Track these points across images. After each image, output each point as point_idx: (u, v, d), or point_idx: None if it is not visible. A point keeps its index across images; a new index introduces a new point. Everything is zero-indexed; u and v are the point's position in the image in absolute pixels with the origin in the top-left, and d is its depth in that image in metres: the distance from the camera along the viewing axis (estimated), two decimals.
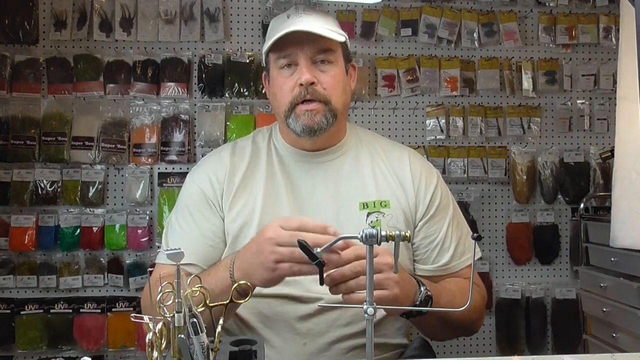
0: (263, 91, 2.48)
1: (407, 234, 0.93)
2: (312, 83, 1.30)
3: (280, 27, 1.31)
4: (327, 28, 1.31)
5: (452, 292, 1.31)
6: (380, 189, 1.38)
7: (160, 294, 0.86)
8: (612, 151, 2.12)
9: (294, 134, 1.35)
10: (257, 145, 1.45)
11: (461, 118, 2.77)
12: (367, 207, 1.36)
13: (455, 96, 2.78)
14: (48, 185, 2.53)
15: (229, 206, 1.36)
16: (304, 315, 1.30)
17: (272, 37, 1.32)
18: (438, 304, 1.23)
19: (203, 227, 1.35)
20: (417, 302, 1.20)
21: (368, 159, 1.43)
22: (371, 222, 1.35)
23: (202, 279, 1.15)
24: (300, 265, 1.08)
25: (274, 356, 1.29)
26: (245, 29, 2.69)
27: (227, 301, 1.00)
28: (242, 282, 1.07)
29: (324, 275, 1.04)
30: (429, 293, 1.22)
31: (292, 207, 1.35)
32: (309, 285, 1.29)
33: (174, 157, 2.59)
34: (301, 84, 1.30)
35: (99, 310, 2.52)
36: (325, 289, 1.11)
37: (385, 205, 1.36)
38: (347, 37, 1.38)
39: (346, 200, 1.36)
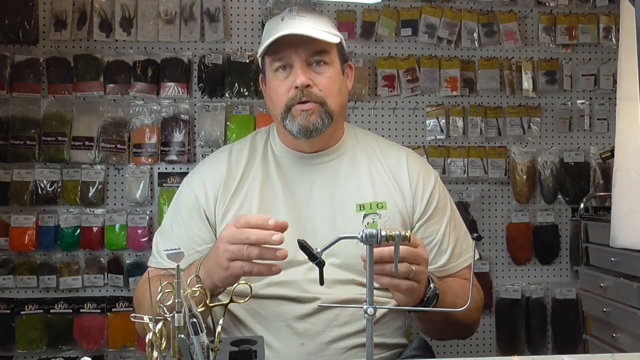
0: None
1: (407, 234, 0.93)
2: (308, 85, 1.30)
3: (274, 30, 1.31)
4: (321, 29, 1.31)
5: (455, 291, 1.32)
6: (377, 190, 1.38)
7: (160, 294, 0.86)
8: (612, 151, 2.12)
9: (291, 136, 1.35)
10: (255, 147, 1.45)
11: (461, 118, 2.77)
12: (364, 208, 1.36)
13: (455, 96, 2.78)
14: (48, 185, 2.52)
15: (225, 210, 1.36)
16: (302, 315, 1.30)
17: (267, 40, 1.32)
18: (443, 301, 1.24)
19: (192, 232, 1.36)
20: (425, 298, 1.20)
21: (365, 160, 1.43)
22: (367, 223, 1.35)
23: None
24: (251, 265, 1.10)
25: (271, 356, 1.29)
26: (245, 29, 2.69)
27: (228, 301, 1.00)
28: (242, 282, 1.08)
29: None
30: (436, 291, 1.22)
31: (288, 209, 1.35)
32: (306, 285, 1.30)
33: (174, 157, 2.59)
34: (296, 87, 1.30)
35: (99, 310, 2.52)
36: (322, 289, 1.11)
37: (382, 207, 1.36)
38: (342, 37, 1.38)
39: (343, 202, 1.36)
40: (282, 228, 1.08)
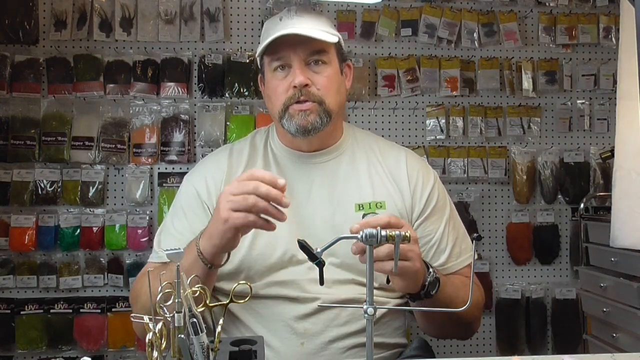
0: None
1: (407, 234, 0.93)
2: (306, 85, 1.30)
3: (273, 30, 1.32)
4: (319, 29, 1.32)
5: (455, 284, 1.32)
6: (376, 190, 1.38)
7: (160, 293, 0.86)
8: (612, 151, 2.12)
9: (289, 135, 1.35)
10: (255, 147, 1.45)
11: (461, 118, 2.77)
12: (363, 208, 1.36)
13: (455, 96, 2.78)
14: (48, 185, 2.53)
15: None
16: (301, 315, 1.30)
17: (265, 40, 1.32)
18: (444, 290, 1.24)
19: (196, 228, 1.35)
20: (427, 283, 1.21)
21: (364, 159, 1.43)
22: None
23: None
24: (255, 217, 1.10)
25: (271, 356, 1.29)
26: (245, 29, 2.69)
27: (228, 301, 1.00)
28: (242, 282, 1.08)
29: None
30: (436, 275, 1.23)
31: (288, 208, 1.35)
32: (306, 285, 1.30)
33: (174, 157, 2.59)
34: (295, 86, 1.30)
35: (99, 310, 2.52)
36: (322, 288, 1.11)
37: (381, 207, 1.36)
38: (340, 37, 1.38)
39: (342, 202, 1.37)
40: (284, 190, 1.10)
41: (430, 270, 1.23)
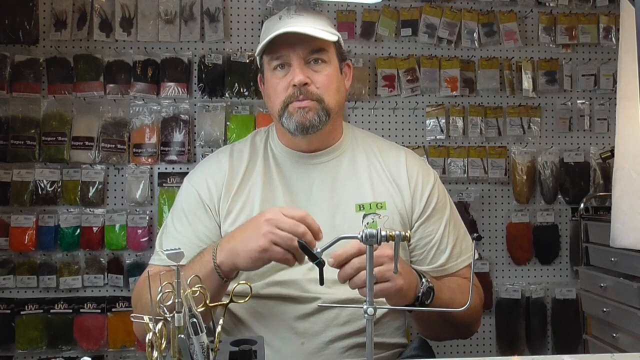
0: None
1: (406, 234, 0.93)
2: (306, 84, 1.30)
3: (272, 29, 1.32)
4: (318, 28, 1.31)
5: (452, 289, 1.32)
6: (377, 190, 1.38)
7: (160, 294, 0.86)
8: (612, 151, 2.12)
9: (289, 134, 1.35)
10: (255, 148, 1.45)
11: (461, 118, 2.77)
12: (363, 208, 1.36)
13: (455, 96, 2.78)
14: (48, 185, 2.52)
15: (227, 209, 1.36)
16: (302, 315, 1.30)
17: (265, 39, 1.32)
18: (439, 297, 1.24)
19: (198, 229, 1.36)
20: (419, 294, 1.21)
21: (364, 160, 1.43)
22: (367, 223, 1.35)
23: (188, 266, 1.16)
24: (291, 257, 1.12)
25: (271, 356, 1.29)
26: (245, 29, 2.69)
27: (228, 301, 1.00)
28: (242, 282, 1.08)
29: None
30: (430, 285, 1.23)
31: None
32: (306, 285, 1.30)
33: (174, 157, 2.59)
34: (294, 85, 1.30)
35: (99, 310, 2.52)
36: (322, 288, 1.12)
37: (381, 207, 1.36)
38: (339, 36, 1.38)
39: (342, 202, 1.37)
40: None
41: (423, 280, 1.23)
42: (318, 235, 1.12)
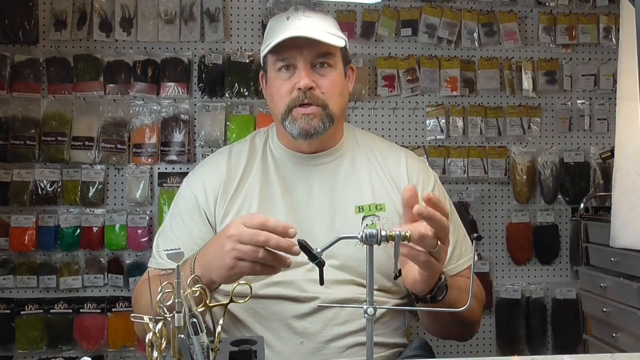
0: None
1: (407, 234, 0.93)
2: (311, 88, 1.30)
3: (279, 29, 1.31)
4: (327, 32, 1.31)
5: (460, 286, 1.31)
6: (376, 192, 1.38)
7: (161, 294, 0.86)
8: (612, 151, 2.12)
9: (290, 136, 1.35)
10: (254, 149, 1.44)
11: (461, 118, 2.77)
12: (363, 210, 1.36)
13: (455, 96, 2.78)
14: (48, 185, 2.52)
15: (224, 212, 1.36)
16: (301, 315, 1.30)
17: (270, 38, 1.32)
18: (450, 294, 1.22)
19: (193, 233, 1.36)
20: (436, 287, 1.17)
21: (364, 161, 1.42)
22: (366, 225, 1.34)
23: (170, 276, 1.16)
24: (262, 267, 1.09)
25: (271, 356, 1.29)
26: (245, 29, 2.69)
27: (228, 301, 1.00)
28: (242, 282, 1.08)
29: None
30: (446, 282, 1.20)
31: (287, 210, 1.35)
32: (305, 285, 1.30)
33: (174, 157, 2.59)
34: (299, 88, 1.30)
35: (99, 310, 2.52)
36: (321, 288, 1.11)
37: (381, 209, 1.36)
38: (346, 40, 1.38)
39: (342, 204, 1.36)
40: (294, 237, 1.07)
41: (442, 276, 1.21)
42: (286, 233, 1.07)
